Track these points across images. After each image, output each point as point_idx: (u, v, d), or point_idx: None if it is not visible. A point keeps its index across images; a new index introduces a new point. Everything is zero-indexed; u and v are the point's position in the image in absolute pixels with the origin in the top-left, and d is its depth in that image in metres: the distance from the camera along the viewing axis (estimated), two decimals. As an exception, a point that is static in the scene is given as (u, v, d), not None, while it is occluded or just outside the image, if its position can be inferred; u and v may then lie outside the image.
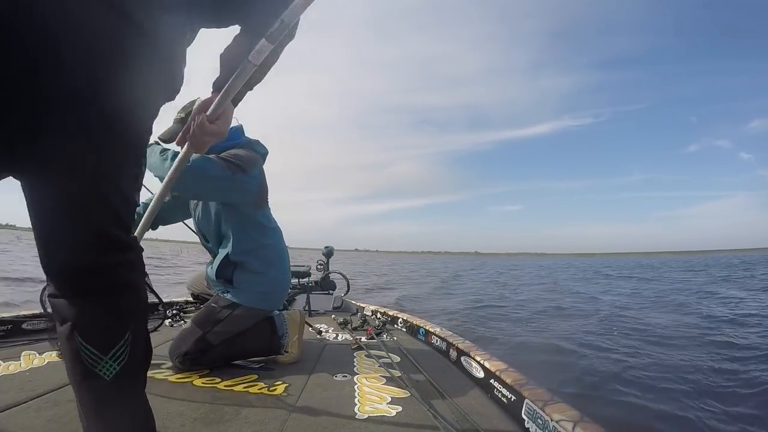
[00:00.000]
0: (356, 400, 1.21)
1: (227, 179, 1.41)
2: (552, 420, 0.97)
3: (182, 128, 1.50)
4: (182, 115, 1.51)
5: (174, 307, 2.40)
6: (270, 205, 1.66)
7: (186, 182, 1.32)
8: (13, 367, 1.33)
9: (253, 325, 1.56)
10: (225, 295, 1.53)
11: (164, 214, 1.68)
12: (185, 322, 1.57)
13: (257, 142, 1.62)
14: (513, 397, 1.17)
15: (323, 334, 2.14)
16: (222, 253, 1.53)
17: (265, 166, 1.61)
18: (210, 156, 1.41)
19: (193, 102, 1.51)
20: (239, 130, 1.62)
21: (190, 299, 2.30)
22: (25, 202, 0.62)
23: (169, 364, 1.44)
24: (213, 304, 1.52)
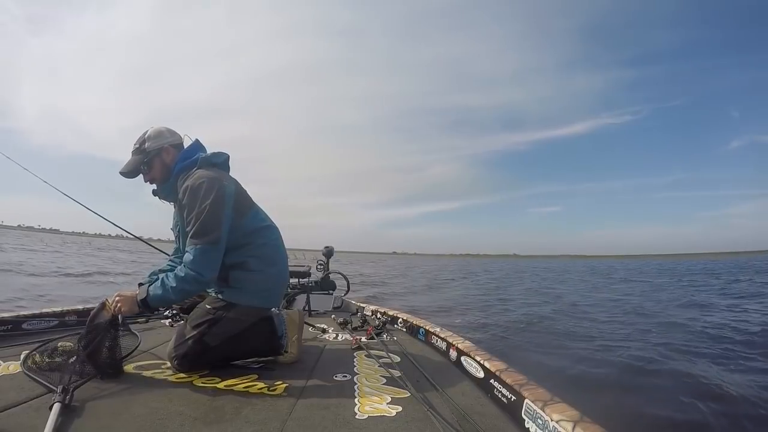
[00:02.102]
0: (356, 400, 1.21)
1: (219, 249, 1.43)
2: (552, 420, 0.97)
3: (140, 159, 1.53)
4: (137, 145, 1.55)
5: (174, 307, 2.40)
6: (259, 205, 1.65)
7: (206, 287, 1.49)
8: (13, 367, 1.33)
9: (252, 325, 1.56)
10: (219, 295, 1.51)
11: None
12: (184, 322, 1.56)
13: (213, 154, 1.60)
14: (513, 397, 1.17)
15: (323, 334, 2.14)
16: None
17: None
18: (191, 247, 1.40)
19: (145, 133, 1.57)
20: (195, 146, 1.60)
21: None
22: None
23: (170, 363, 1.44)
24: (207, 305, 1.50)
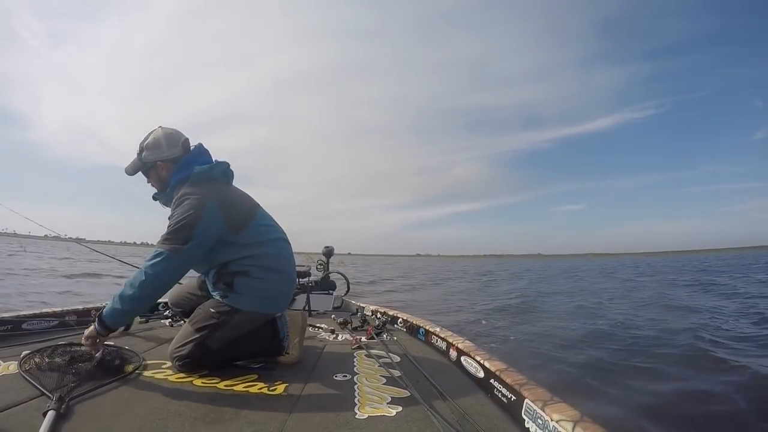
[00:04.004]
0: (356, 400, 1.21)
1: (177, 260, 1.37)
2: (552, 420, 0.97)
3: (139, 165, 1.57)
4: (138, 150, 1.57)
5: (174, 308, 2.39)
6: (263, 216, 1.61)
7: (154, 294, 1.41)
8: (12, 367, 1.33)
9: (255, 327, 1.55)
10: (223, 299, 1.49)
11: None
12: (185, 322, 1.56)
13: (209, 168, 1.53)
14: (513, 397, 1.17)
15: (323, 333, 2.14)
16: (216, 268, 1.51)
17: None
18: (156, 251, 1.37)
19: (148, 136, 1.58)
20: (192, 157, 1.55)
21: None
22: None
23: (170, 364, 1.44)
24: (212, 309, 1.48)
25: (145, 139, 1.57)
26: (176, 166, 1.54)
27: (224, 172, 1.60)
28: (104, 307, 1.38)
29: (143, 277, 1.34)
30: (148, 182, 1.61)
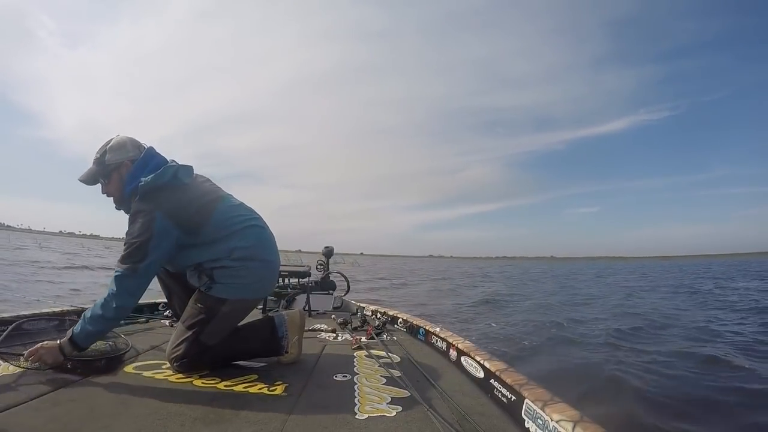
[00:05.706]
0: (356, 400, 1.21)
1: (136, 278, 1.35)
2: (552, 420, 0.97)
3: (98, 170, 1.47)
4: (98, 155, 1.49)
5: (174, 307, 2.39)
6: (227, 208, 1.52)
7: (120, 313, 1.36)
8: (13, 367, 1.33)
9: (253, 326, 1.55)
10: (208, 291, 1.45)
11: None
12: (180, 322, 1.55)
13: (156, 176, 1.41)
14: (513, 397, 1.17)
15: (323, 334, 2.14)
16: (191, 268, 1.49)
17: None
18: (114, 271, 1.36)
19: (108, 142, 1.50)
20: (143, 163, 1.47)
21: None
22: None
23: (169, 365, 1.44)
24: (199, 304, 1.45)
25: (105, 144, 1.49)
26: (127, 174, 1.47)
27: (174, 174, 1.46)
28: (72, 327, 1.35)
29: (108, 299, 1.33)
30: (103, 191, 1.51)
